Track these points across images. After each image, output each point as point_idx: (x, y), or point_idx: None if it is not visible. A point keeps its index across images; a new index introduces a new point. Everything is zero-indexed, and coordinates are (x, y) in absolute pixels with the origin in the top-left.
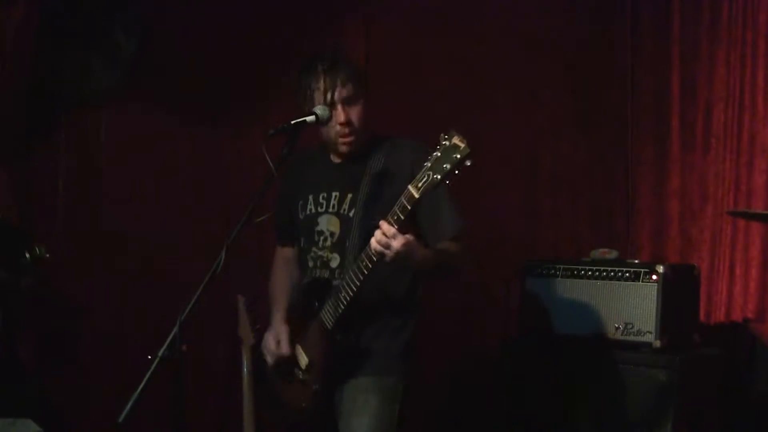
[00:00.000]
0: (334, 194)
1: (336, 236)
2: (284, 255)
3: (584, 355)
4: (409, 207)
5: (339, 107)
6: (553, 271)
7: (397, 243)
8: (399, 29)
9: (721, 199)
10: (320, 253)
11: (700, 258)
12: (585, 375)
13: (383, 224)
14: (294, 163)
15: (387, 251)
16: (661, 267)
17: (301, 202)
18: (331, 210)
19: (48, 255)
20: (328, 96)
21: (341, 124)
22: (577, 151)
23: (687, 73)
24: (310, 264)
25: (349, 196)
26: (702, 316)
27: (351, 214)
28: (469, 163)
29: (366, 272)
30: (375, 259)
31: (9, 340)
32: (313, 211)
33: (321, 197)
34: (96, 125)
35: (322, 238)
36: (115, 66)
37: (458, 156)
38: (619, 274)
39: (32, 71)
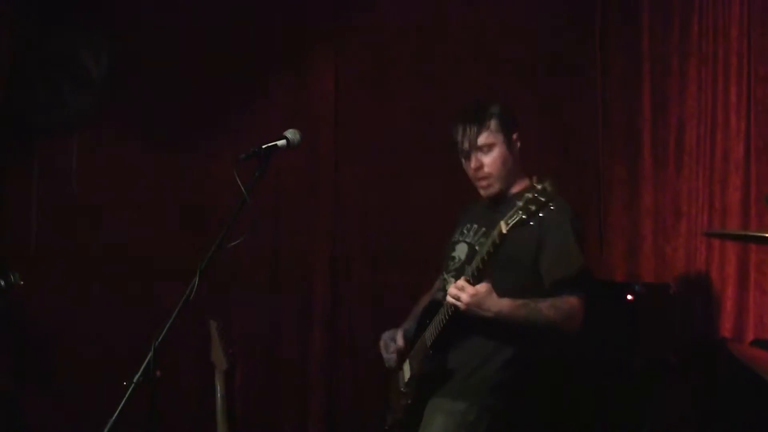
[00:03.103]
0: (475, 227)
1: (462, 263)
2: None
3: (559, 375)
4: (498, 241)
5: (472, 155)
6: None
7: (465, 295)
8: (368, 54)
9: (695, 216)
10: (446, 276)
11: (675, 277)
12: (560, 395)
13: (461, 279)
14: (474, 201)
15: (458, 303)
16: (637, 286)
17: (457, 231)
18: (468, 240)
19: (22, 282)
20: (465, 145)
21: (473, 169)
22: (549, 170)
23: (658, 90)
24: (437, 286)
25: (483, 230)
26: (678, 336)
27: (477, 246)
28: (552, 207)
29: (450, 314)
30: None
31: None
32: (457, 239)
33: (466, 228)
34: (68, 151)
35: (451, 263)
36: (86, 92)
37: (544, 199)
38: (594, 293)
39: (4, 98)
